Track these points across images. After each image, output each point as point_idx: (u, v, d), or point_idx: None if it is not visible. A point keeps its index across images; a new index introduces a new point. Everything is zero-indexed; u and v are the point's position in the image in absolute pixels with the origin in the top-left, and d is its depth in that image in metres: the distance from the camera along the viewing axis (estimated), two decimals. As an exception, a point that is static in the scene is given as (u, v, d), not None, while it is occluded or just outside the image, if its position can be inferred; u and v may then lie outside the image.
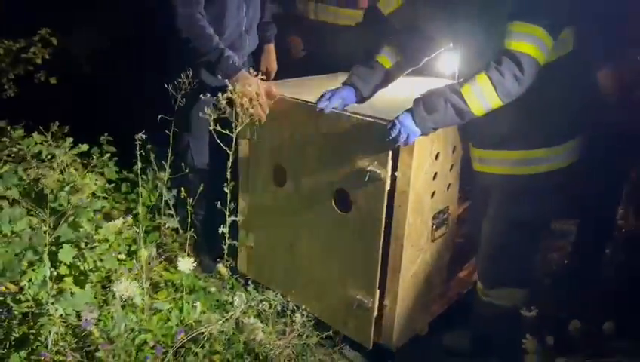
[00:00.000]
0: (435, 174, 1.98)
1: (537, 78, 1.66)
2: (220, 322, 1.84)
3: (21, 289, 1.87)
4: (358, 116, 1.90)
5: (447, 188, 2.09)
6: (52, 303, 1.83)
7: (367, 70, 2.04)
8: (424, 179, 1.92)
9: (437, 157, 1.96)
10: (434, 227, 2.06)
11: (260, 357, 1.98)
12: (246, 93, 1.97)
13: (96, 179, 1.99)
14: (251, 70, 2.07)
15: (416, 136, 1.71)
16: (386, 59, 2.05)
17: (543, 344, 1.55)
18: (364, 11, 2.73)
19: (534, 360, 1.50)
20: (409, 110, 1.72)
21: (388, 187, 1.85)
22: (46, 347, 1.84)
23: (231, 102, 1.97)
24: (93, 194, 2.06)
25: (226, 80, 2.03)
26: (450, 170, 2.07)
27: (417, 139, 1.74)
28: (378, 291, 1.99)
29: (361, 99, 2.04)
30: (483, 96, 1.64)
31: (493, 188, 1.95)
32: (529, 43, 1.62)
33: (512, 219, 1.89)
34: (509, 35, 1.64)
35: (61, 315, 1.85)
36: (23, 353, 1.81)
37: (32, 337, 1.86)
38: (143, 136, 1.99)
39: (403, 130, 1.68)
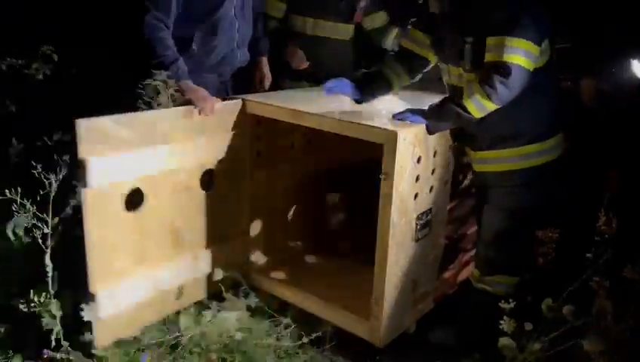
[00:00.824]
0: (418, 177, 2.08)
1: (529, 82, 1.91)
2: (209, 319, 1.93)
3: (25, 291, 1.96)
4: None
5: (430, 190, 2.19)
6: (54, 304, 1.92)
7: (372, 77, 2.32)
8: (407, 181, 2.03)
9: (419, 160, 2.06)
10: (418, 227, 2.16)
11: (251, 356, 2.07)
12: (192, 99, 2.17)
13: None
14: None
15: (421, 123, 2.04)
16: (390, 73, 2.30)
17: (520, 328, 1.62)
18: (356, 26, 2.87)
19: (510, 341, 1.56)
20: (419, 112, 2.05)
21: None
22: (48, 345, 1.93)
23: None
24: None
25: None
26: (432, 173, 2.18)
27: (399, 145, 1.91)
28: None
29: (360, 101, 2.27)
30: (483, 106, 1.93)
31: (493, 183, 2.15)
32: (520, 55, 1.87)
33: (512, 209, 2.12)
34: (500, 49, 1.87)
35: (62, 316, 1.94)
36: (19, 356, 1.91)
37: (35, 337, 1.95)
38: None
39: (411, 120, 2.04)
